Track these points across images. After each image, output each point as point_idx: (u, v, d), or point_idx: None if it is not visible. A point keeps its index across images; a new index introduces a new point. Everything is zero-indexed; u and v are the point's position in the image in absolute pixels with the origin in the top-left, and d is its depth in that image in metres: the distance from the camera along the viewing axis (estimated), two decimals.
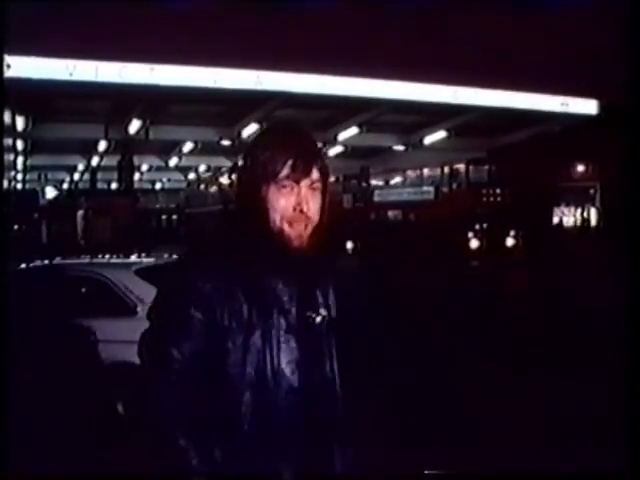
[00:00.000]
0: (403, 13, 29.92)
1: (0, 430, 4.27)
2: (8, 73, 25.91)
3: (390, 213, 47.83)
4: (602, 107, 38.81)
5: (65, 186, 58.59)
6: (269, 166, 2.51)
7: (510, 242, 36.92)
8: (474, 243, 37.74)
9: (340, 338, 2.66)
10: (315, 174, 2.54)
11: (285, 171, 2.49)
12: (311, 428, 2.51)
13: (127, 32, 26.10)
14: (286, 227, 2.51)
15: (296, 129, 2.71)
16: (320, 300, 2.62)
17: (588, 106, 39.55)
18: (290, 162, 2.49)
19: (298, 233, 2.51)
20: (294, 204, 2.50)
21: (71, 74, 28.25)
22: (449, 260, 29.47)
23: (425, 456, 6.71)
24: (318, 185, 2.56)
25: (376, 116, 38.36)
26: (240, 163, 2.69)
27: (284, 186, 2.50)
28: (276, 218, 2.50)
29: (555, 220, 42.31)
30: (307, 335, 2.53)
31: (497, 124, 40.95)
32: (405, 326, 13.99)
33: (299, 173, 2.50)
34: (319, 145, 2.72)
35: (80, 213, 38.91)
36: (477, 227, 39.02)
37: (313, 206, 2.53)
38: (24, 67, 26.99)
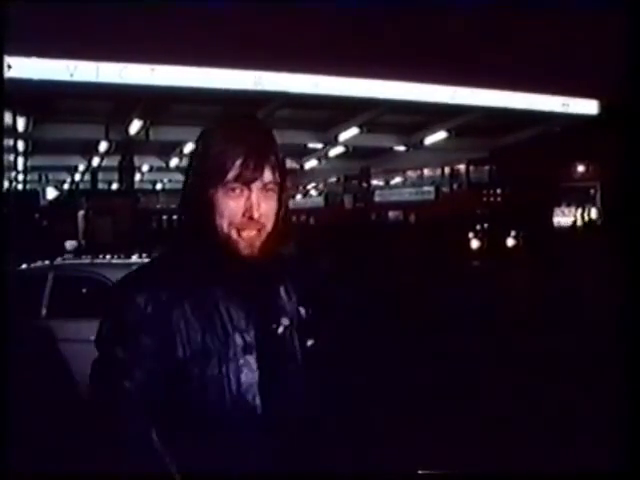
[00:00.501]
0: (403, 13, 29.97)
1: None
2: (9, 74, 25.95)
3: (391, 213, 47.82)
4: (603, 107, 38.85)
5: (66, 187, 58.61)
6: (216, 166, 2.26)
7: (511, 242, 36.86)
8: (474, 243, 37.67)
9: (307, 346, 2.48)
10: (268, 175, 2.29)
11: (233, 172, 2.24)
12: (281, 448, 2.29)
13: (128, 33, 26.12)
14: (234, 234, 2.27)
15: (247, 123, 2.41)
16: (281, 309, 2.41)
17: (589, 106, 39.57)
18: (239, 161, 2.24)
19: (249, 241, 2.28)
20: (243, 209, 2.26)
21: (72, 75, 28.27)
22: (449, 260, 29.45)
23: (417, 459, 6.74)
24: (272, 187, 2.31)
25: (377, 116, 38.39)
26: (186, 162, 2.43)
27: (233, 189, 2.25)
28: (224, 225, 2.27)
29: (556, 220, 42.29)
30: (270, 350, 2.32)
31: (498, 124, 40.98)
32: (404, 327, 14.01)
33: (249, 174, 2.24)
34: (275, 141, 2.41)
35: (81, 213, 38.86)
36: (478, 227, 38.94)
37: (266, 211, 2.29)
38: (25, 68, 27.00)
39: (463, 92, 35.68)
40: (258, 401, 2.27)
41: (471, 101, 36.44)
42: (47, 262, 10.85)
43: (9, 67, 26.04)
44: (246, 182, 2.25)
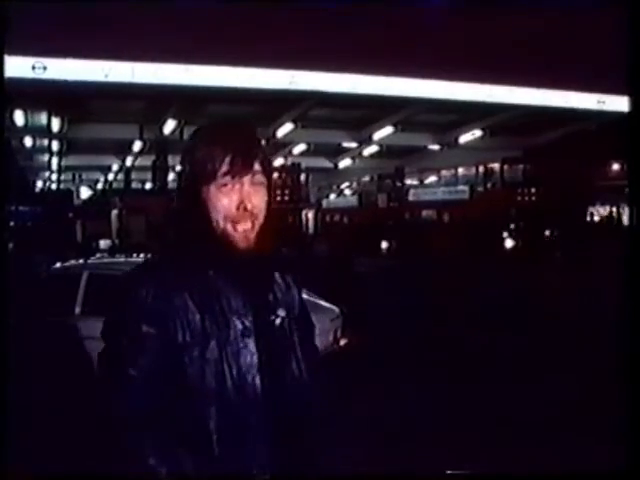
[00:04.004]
0: (437, 12, 29.89)
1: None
2: (45, 75, 26.18)
3: (424, 212, 47.72)
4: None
5: (99, 186, 58.98)
6: (207, 164, 2.39)
7: (545, 242, 36.67)
8: (509, 243, 37.51)
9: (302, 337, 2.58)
10: (256, 170, 2.42)
11: (224, 168, 2.38)
12: (280, 432, 2.39)
13: (162, 33, 26.20)
14: (230, 227, 2.39)
15: (233, 124, 2.61)
16: (278, 300, 2.52)
17: (625, 103, 39.18)
18: (229, 158, 2.38)
19: (244, 233, 2.40)
20: (237, 202, 2.38)
21: (107, 75, 28.42)
22: (483, 260, 29.34)
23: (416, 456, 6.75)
24: (261, 179, 2.44)
25: (411, 115, 38.30)
26: (179, 163, 2.57)
27: (225, 184, 2.38)
28: (219, 219, 2.39)
29: (590, 219, 42.00)
30: (267, 337, 2.42)
31: (532, 123, 40.72)
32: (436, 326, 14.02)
33: (239, 169, 2.38)
34: (261, 141, 2.58)
35: (114, 213, 39.10)
36: (512, 227, 38.77)
37: (258, 203, 2.42)
38: (61, 69, 27.17)
39: (499, 90, 35.48)
40: (258, 383, 2.37)
41: (506, 100, 36.22)
42: (81, 261, 10.90)
43: (45, 68, 26.27)
44: (237, 176, 2.39)
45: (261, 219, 2.43)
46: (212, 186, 2.39)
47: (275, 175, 45.16)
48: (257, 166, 2.42)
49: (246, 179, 2.39)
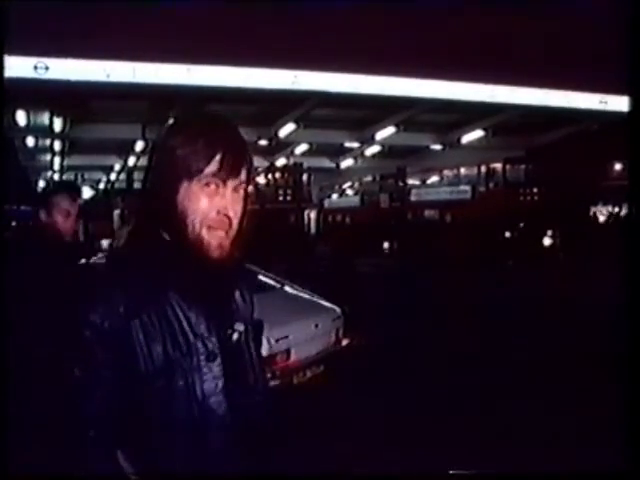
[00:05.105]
0: (439, 12, 29.84)
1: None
2: (47, 75, 26.19)
3: (426, 212, 47.67)
4: None
5: (102, 186, 58.91)
6: (192, 161, 2.18)
7: (547, 242, 36.62)
8: (511, 243, 37.47)
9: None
10: (243, 174, 2.24)
11: (211, 167, 2.17)
12: (250, 453, 2.27)
13: (163, 33, 26.15)
14: (205, 234, 2.19)
15: (221, 120, 2.38)
16: (236, 314, 2.35)
17: (627, 103, 39.07)
18: (218, 157, 2.18)
19: (219, 241, 2.20)
20: (218, 207, 2.19)
21: (108, 75, 28.36)
22: (485, 260, 29.32)
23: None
24: (243, 187, 2.25)
25: (413, 115, 38.20)
26: (151, 157, 2.34)
27: (208, 184, 2.19)
28: (195, 223, 2.19)
29: (593, 219, 41.95)
30: (231, 356, 2.27)
31: (535, 123, 40.65)
32: (442, 327, 14.01)
33: (227, 171, 2.19)
34: (246, 140, 2.35)
35: (117, 213, 39.07)
36: (514, 227, 38.72)
37: (238, 210, 2.24)
38: (62, 69, 27.14)
39: (502, 90, 35.36)
40: (224, 408, 2.22)
41: (509, 99, 36.09)
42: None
43: (47, 68, 26.27)
44: (224, 179, 2.20)
45: (235, 228, 2.25)
46: (194, 184, 2.19)
47: (277, 175, 45.26)
48: (245, 169, 2.25)
49: (232, 182, 2.22)
